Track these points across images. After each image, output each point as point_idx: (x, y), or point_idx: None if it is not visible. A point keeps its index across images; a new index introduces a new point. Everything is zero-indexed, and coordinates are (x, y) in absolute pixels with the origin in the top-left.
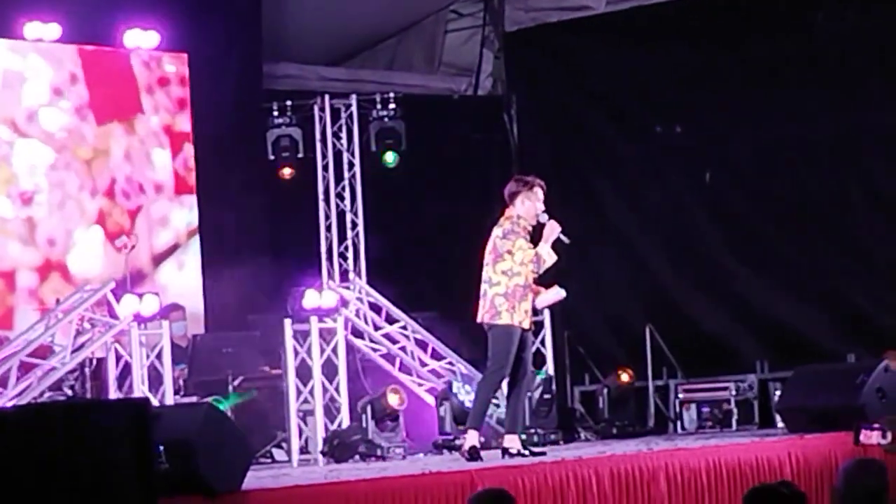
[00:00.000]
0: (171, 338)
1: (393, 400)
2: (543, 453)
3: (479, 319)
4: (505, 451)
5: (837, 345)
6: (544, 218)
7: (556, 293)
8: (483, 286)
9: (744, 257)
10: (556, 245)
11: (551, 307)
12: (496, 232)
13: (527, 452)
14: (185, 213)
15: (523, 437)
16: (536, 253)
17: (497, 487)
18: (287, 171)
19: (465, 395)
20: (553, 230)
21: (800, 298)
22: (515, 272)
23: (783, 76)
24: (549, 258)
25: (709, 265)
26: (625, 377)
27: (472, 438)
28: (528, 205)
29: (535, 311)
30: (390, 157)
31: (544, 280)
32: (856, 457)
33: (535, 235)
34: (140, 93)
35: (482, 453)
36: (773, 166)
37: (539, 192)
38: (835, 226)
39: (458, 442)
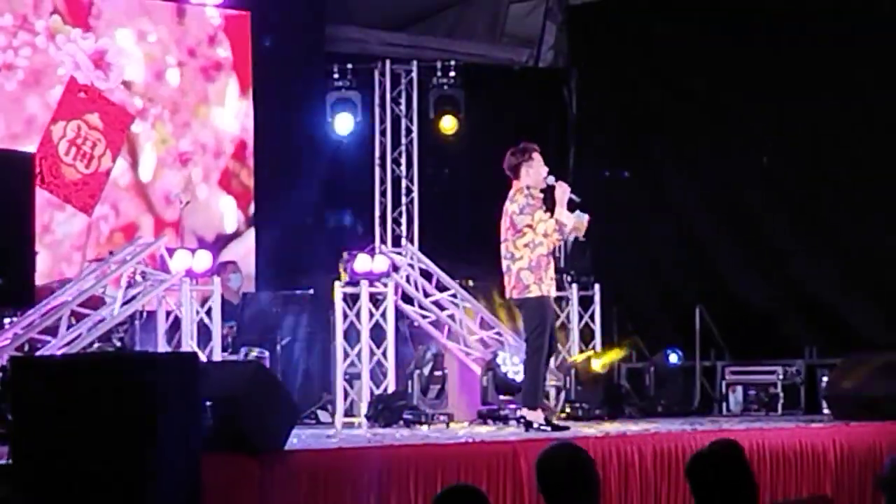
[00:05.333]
0: (224, 294)
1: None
2: (566, 428)
3: (507, 295)
4: (528, 425)
5: (887, 333)
6: (552, 180)
7: (582, 217)
8: (505, 262)
9: (798, 242)
10: (571, 205)
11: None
12: (511, 208)
13: (548, 427)
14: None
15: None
16: (556, 220)
17: (466, 484)
18: (345, 134)
19: (510, 367)
20: (564, 191)
21: (852, 286)
22: (538, 243)
23: (844, 54)
24: (569, 220)
25: (763, 248)
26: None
27: (534, 417)
28: (532, 172)
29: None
30: (448, 123)
31: None
32: None
33: (548, 198)
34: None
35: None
36: (832, 149)
37: (537, 157)
38: (892, 213)
39: (502, 412)
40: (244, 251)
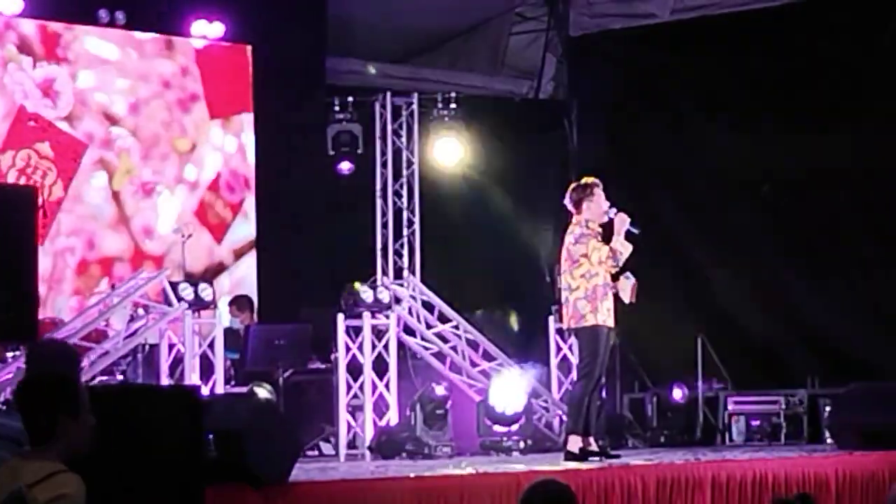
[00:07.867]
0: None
1: None
2: (599, 458)
3: (564, 326)
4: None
5: (890, 363)
6: (613, 213)
7: (627, 281)
8: (563, 293)
9: (799, 271)
10: (628, 236)
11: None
12: (568, 239)
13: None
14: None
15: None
16: (611, 248)
17: (555, 480)
18: (346, 167)
19: (500, 399)
20: (623, 222)
21: (854, 315)
22: (593, 273)
23: (845, 87)
24: (625, 249)
25: (764, 277)
26: None
27: (572, 443)
28: (593, 206)
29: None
30: (449, 154)
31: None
32: None
33: (608, 231)
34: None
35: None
36: (832, 179)
37: (598, 192)
38: (893, 241)
39: (505, 443)
40: (233, 283)
